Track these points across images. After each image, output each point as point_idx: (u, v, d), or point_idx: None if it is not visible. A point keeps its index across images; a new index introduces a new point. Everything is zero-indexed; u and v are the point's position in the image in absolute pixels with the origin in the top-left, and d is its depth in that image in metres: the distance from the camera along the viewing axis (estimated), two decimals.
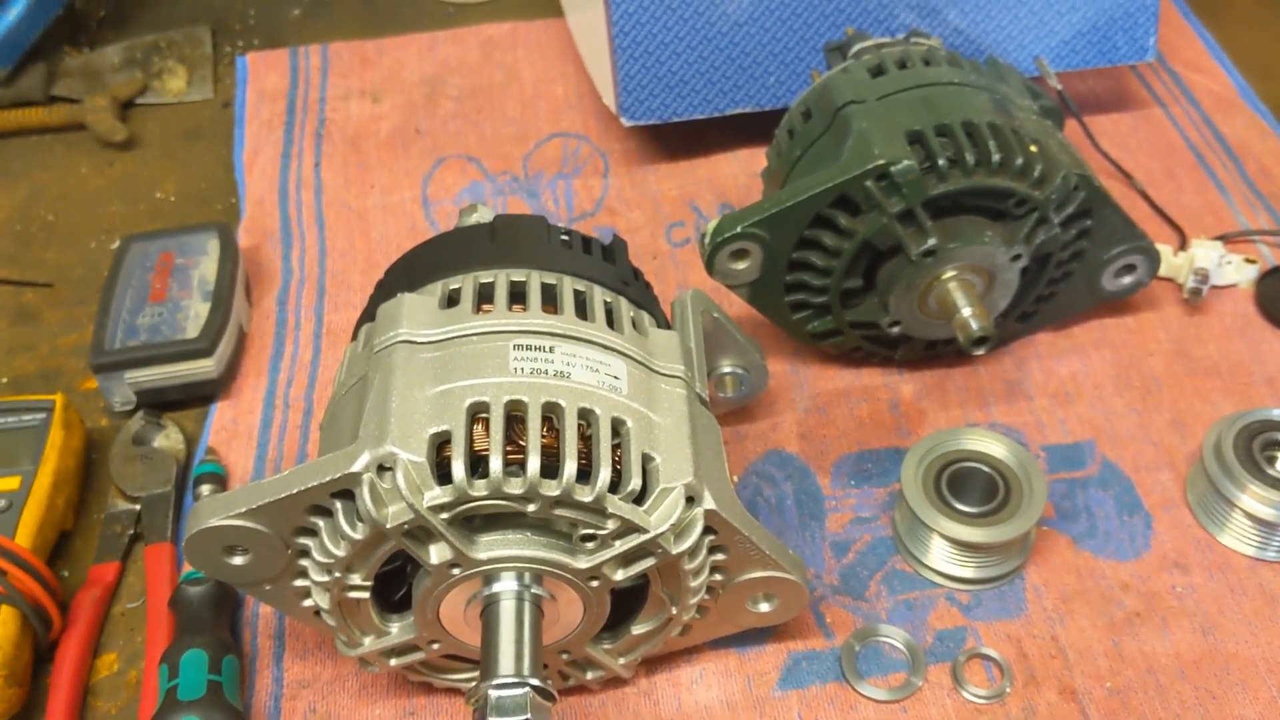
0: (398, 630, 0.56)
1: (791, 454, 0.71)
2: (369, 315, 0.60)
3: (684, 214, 0.85)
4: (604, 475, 0.50)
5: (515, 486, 0.49)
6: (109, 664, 0.64)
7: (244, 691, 0.61)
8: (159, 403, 0.74)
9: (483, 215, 0.64)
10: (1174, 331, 0.76)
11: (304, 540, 0.52)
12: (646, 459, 0.52)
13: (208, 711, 0.57)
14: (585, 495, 0.50)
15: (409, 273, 0.60)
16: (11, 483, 0.66)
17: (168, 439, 0.73)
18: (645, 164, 0.89)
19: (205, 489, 0.69)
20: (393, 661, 0.57)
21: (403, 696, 0.61)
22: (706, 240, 0.67)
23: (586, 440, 0.51)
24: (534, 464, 0.49)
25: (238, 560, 0.53)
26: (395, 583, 0.56)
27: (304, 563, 0.53)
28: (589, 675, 0.60)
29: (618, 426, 0.52)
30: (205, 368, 0.74)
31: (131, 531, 0.69)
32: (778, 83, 0.84)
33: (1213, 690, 0.60)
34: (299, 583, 0.54)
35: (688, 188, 0.87)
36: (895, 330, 0.70)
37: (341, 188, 0.89)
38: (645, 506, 0.51)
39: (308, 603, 0.55)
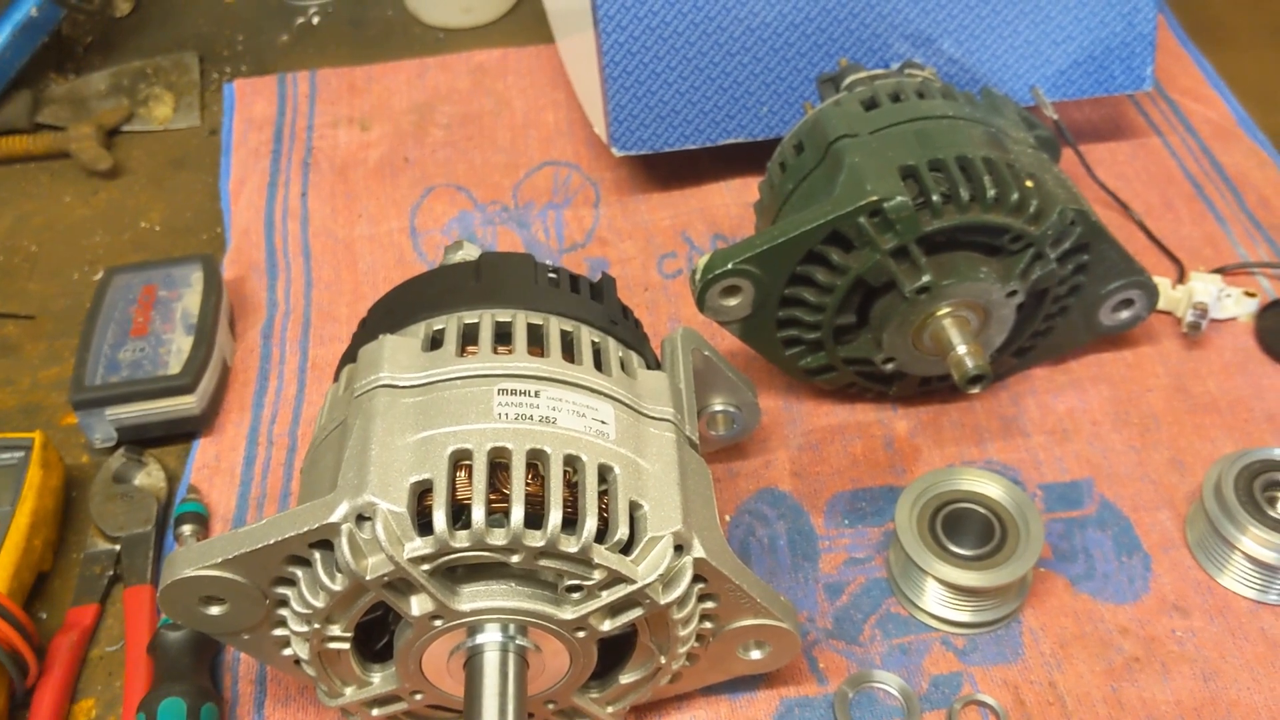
0: (380, 680, 0.55)
1: (785, 492, 0.70)
2: (351, 356, 0.58)
3: (676, 245, 0.84)
4: (590, 525, 0.49)
5: (498, 537, 0.48)
6: (86, 710, 0.63)
7: None
8: (141, 439, 0.73)
9: (468, 252, 0.63)
10: (1173, 366, 0.75)
11: (282, 590, 0.51)
12: (634, 507, 0.51)
13: None
14: (570, 546, 0.48)
15: (392, 312, 0.59)
16: None
17: (149, 477, 0.72)
18: (637, 193, 0.88)
19: (186, 529, 0.68)
20: (375, 712, 0.56)
21: None
22: (697, 277, 0.65)
23: (573, 488, 0.50)
24: (518, 514, 0.48)
25: (215, 610, 0.52)
26: (377, 631, 0.55)
27: (283, 613, 0.52)
28: None
29: (605, 473, 0.51)
30: (187, 404, 0.72)
31: (111, 573, 0.67)
32: (770, 113, 0.83)
33: None
34: (278, 632, 0.53)
35: (680, 218, 0.86)
36: (889, 367, 0.69)
37: (328, 217, 0.88)
38: (633, 556, 0.50)
39: (287, 652, 0.54)
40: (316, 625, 0.51)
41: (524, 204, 0.88)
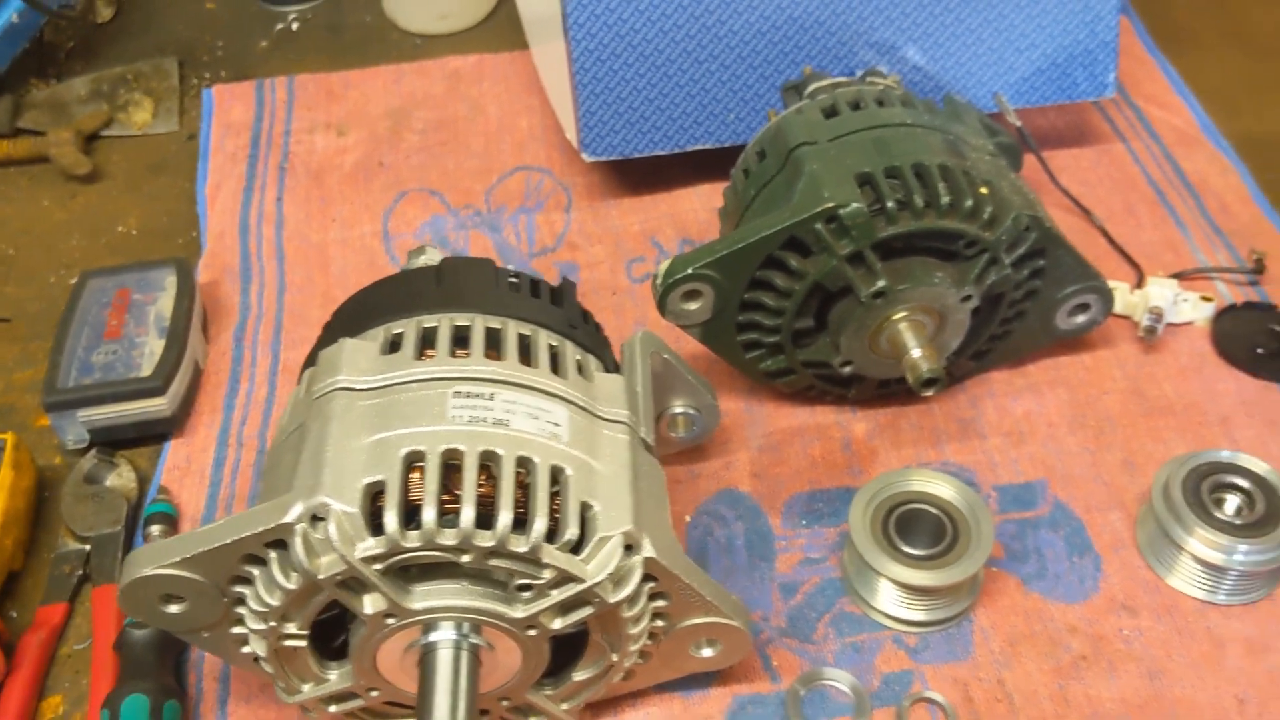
0: (336, 677, 0.56)
1: (744, 493, 0.71)
2: (313, 359, 0.60)
3: (645, 249, 0.85)
4: (539, 525, 0.50)
5: (449, 537, 0.49)
6: (54, 707, 0.64)
7: None
8: (112, 440, 0.74)
9: (430, 257, 0.64)
10: (1129, 370, 0.76)
11: (240, 589, 0.52)
12: (585, 507, 0.52)
13: None
14: (520, 546, 0.50)
15: (354, 316, 0.60)
16: None
17: (120, 478, 0.73)
18: (608, 198, 0.89)
19: (155, 529, 0.69)
20: (332, 708, 0.57)
21: None
22: (658, 281, 0.67)
23: (525, 489, 0.51)
24: (468, 514, 0.49)
25: (174, 609, 0.53)
26: (335, 629, 0.56)
27: (241, 611, 0.53)
28: None
29: (556, 475, 0.52)
30: (158, 406, 0.73)
31: (80, 572, 0.69)
32: (737, 119, 0.85)
33: None
34: (237, 630, 0.54)
35: (649, 223, 0.87)
36: (847, 370, 0.70)
37: (303, 221, 0.89)
38: (583, 556, 0.51)
39: (246, 650, 0.55)
40: (273, 623, 0.52)
41: (496, 208, 0.89)
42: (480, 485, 0.51)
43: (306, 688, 0.56)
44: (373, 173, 0.93)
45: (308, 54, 1.06)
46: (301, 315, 0.82)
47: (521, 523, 0.50)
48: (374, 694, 0.56)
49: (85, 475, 0.72)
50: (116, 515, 0.70)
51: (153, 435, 0.75)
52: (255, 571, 0.51)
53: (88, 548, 0.69)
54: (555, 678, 0.58)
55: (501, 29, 1.06)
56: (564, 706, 0.59)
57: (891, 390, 0.74)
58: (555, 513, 0.51)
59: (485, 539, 0.49)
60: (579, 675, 0.57)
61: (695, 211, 0.87)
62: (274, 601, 0.51)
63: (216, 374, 0.79)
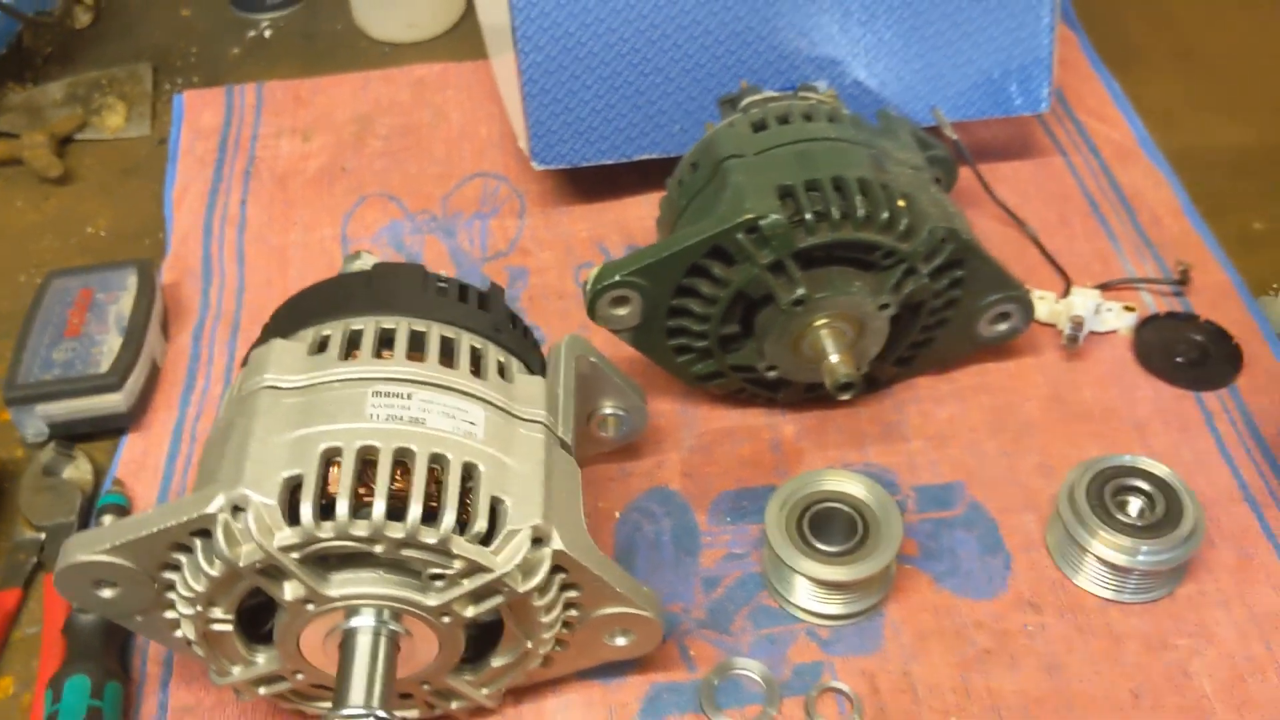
0: (264, 661, 0.59)
1: (674, 491, 0.74)
2: (247, 359, 0.63)
3: (593, 255, 0.88)
4: (449, 518, 0.53)
5: (361, 528, 0.52)
6: (4, 687, 0.67)
7: (128, 717, 0.64)
8: (71, 434, 0.77)
9: (365, 262, 0.67)
10: (1051, 376, 0.79)
11: (169, 575, 0.55)
12: (496, 501, 0.55)
13: None
14: (430, 537, 0.53)
15: (289, 318, 0.63)
16: None
17: (77, 470, 0.76)
18: (560, 205, 0.92)
19: (107, 519, 0.72)
20: (261, 690, 0.60)
21: (283, 717, 0.64)
22: (587, 287, 0.70)
23: (439, 485, 0.54)
24: (379, 507, 0.52)
25: (106, 593, 0.56)
26: (263, 616, 0.59)
27: (170, 596, 0.56)
28: (454, 705, 0.62)
29: (470, 471, 0.55)
30: (114, 402, 0.76)
31: (35, 560, 0.72)
32: (682, 130, 0.87)
33: None
34: (169, 615, 0.57)
35: (598, 229, 0.90)
36: (772, 374, 0.73)
37: (265, 224, 0.92)
38: (492, 547, 0.54)
39: (179, 634, 0.58)
40: (200, 608, 0.55)
41: (452, 213, 0.92)
42: (396, 481, 0.53)
43: (236, 670, 0.59)
44: (335, 177, 0.96)
45: (279, 61, 1.09)
46: (259, 315, 0.84)
47: (432, 516, 0.53)
48: (299, 677, 0.59)
49: (44, 467, 0.75)
50: (71, 506, 0.73)
51: (109, 430, 0.78)
52: (183, 559, 0.54)
53: (43, 536, 0.72)
54: (475, 664, 0.61)
55: (467, 38, 1.09)
56: (484, 691, 0.62)
57: (818, 394, 0.76)
58: (466, 507, 0.54)
59: (396, 530, 0.52)
60: (497, 662, 0.60)
61: (642, 219, 0.90)
62: (199, 588, 0.54)
63: (174, 371, 0.82)
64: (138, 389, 0.78)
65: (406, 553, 0.53)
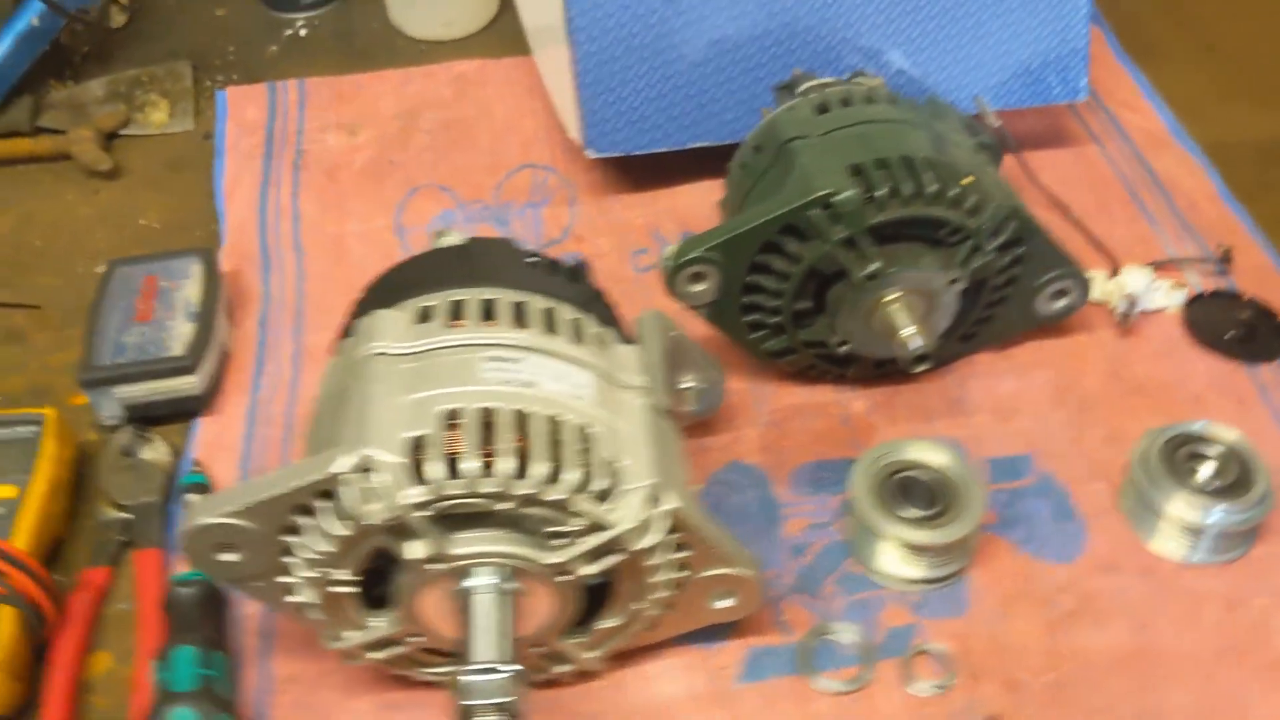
0: (379, 625, 0.59)
1: (751, 465, 0.75)
2: (348, 332, 0.63)
3: (648, 241, 0.90)
4: (571, 475, 0.54)
5: (488, 485, 0.53)
6: (104, 661, 0.67)
7: (233, 686, 0.64)
8: (146, 417, 0.78)
9: (454, 238, 0.69)
10: (1107, 352, 0.81)
11: (289, 538, 0.56)
12: (612, 461, 0.56)
13: (200, 703, 0.60)
14: (553, 494, 0.54)
15: (385, 292, 0.64)
16: (8, 491, 0.69)
17: (154, 451, 0.76)
18: (611, 194, 0.93)
19: (193, 497, 0.72)
20: (374, 655, 0.61)
21: (385, 690, 0.65)
22: (666, 263, 0.71)
23: (556, 445, 0.55)
24: (506, 464, 0.53)
25: (228, 557, 0.56)
26: (375, 581, 0.59)
27: (290, 560, 0.57)
28: (561, 669, 0.63)
29: (584, 431, 0.56)
30: (190, 384, 0.77)
31: (122, 538, 0.72)
32: (734, 119, 0.89)
33: (1143, 683, 0.64)
34: (286, 579, 0.58)
35: (651, 217, 0.91)
36: (843, 349, 0.75)
37: (318, 215, 0.93)
38: (610, 505, 0.55)
39: (292, 599, 0.59)
40: (322, 570, 0.56)
41: (504, 202, 0.93)
42: (516, 441, 0.55)
43: (351, 635, 0.60)
44: (384, 170, 0.97)
45: (316, 59, 1.10)
46: (321, 303, 0.86)
47: (554, 475, 0.54)
48: (414, 640, 0.60)
49: (122, 449, 0.75)
50: (154, 485, 0.74)
51: (183, 412, 0.79)
52: (305, 521, 0.55)
53: (127, 516, 0.73)
54: (584, 627, 0.62)
55: (503, 36, 1.11)
56: (591, 655, 0.63)
57: (886, 370, 0.78)
58: (584, 466, 0.55)
59: (521, 486, 0.53)
60: (606, 624, 0.61)
61: (694, 206, 0.92)
62: (323, 548, 0.55)
63: (243, 356, 0.82)
64: (211, 372, 0.78)
65: (528, 510, 0.54)
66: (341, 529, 0.54)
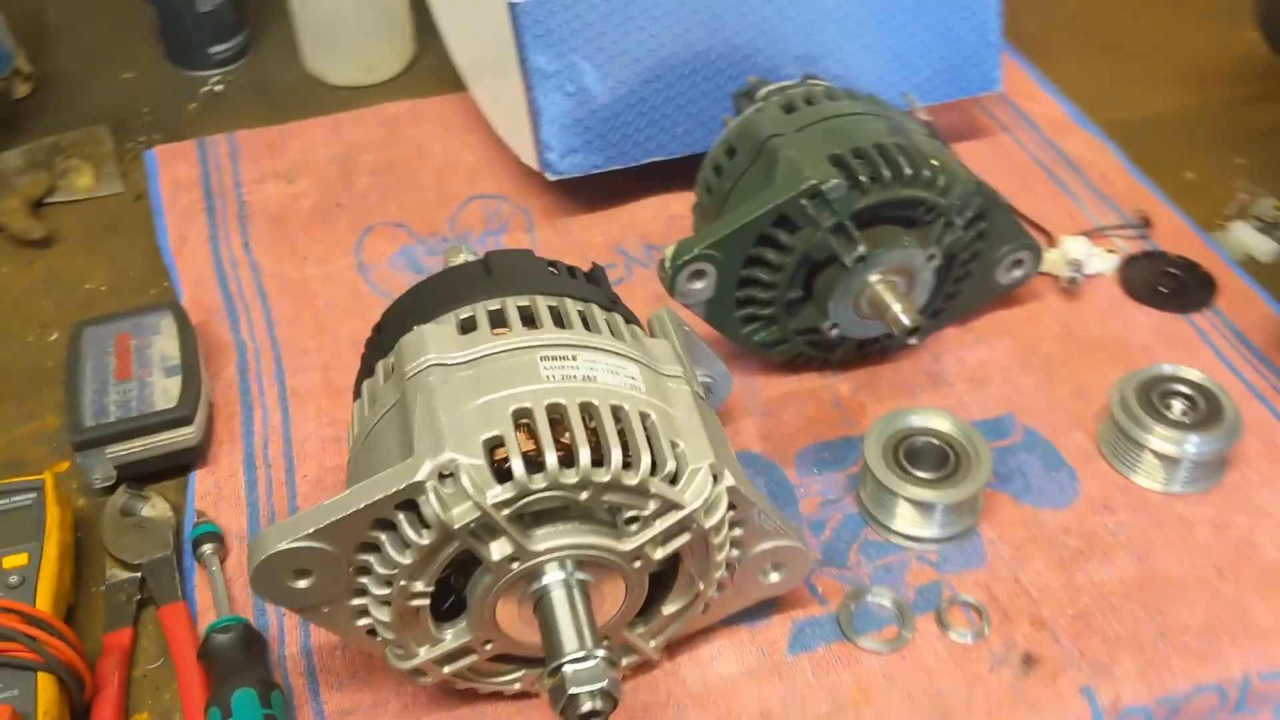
0: (451, 636, 0.60)
1: (756, 453, 0.78)
2: (379, 354, 0.64)
3: (613, 257, 0.92)
4: (646, 460, 0.55)
5: (570, 477, 0.54)
6: None
7: None
8: (138, 476, 0.76)
9: (468, 255, 0.70)
10: (1059, 317, 0.87)
11: (365, 557, 0.56)
12: (674, 445, 0.58)
13: None
14: (631, 479, 0.55)
15: (412, 312, 0.64)
16: (20, 559, 0.67)
17: (154, 509, 0.74)
18: (568, 215, 0.95)
19: (207, 548, 0.71)
20: (446, 669, 0.61)
21: (446, 709, 0.65)
22: (667, 264, 0.73)
23: (624, 433, 0.57)
24: (585, 455, 0.54)
25: (302, 584, 0.56)
26: (444, 594, 0.60)
27: (363, 580, 0.57)
28: (625, 662, 0.64)
29: (645, 419, 0.58)
30: (186, 435, 0.75)
31: (138, 597, 0.70)
32: (684, 132, 0.93)
33: (1158, 605, 0.69)
34: (356, 602, 0.58)
35: (611, 234, 0.94)
36: (834, 333, 0.78)
37: (274, 263, 0.92)
38: (679, 487, 0.57)
39: (363, 622, 0.58)
40: (402, 583, 0.56)
41: (461, 233, 0.95)
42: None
43: (423, 650, 0.59)
44: (332, 213, 0.97)
45: (237, 113, 1.09)
46: (295, 345, 0.85)
47: (629, 460, 0.56)
48: (489, 647, 0.60)
49: (121, 509, 0.73)
50: (164, 540, 0.72)
51: (175, 468, 0.77)
52: (383, 536, 0.55)
53: (139, 575, 0.71)
54: (645, 615, 0.63)
55: (424, 77, 1.12)
56: (652, 643, 0.64)
57: (867, 351, 0.82)
58: (653, 450, 0.57)
59: (601, 475, 0.55)
60: (668, 608, 0.63)
61: (651, 221, 0.95)
62: (405, 560, 0.55)
63: (227, 405, 0.81)
64: (204, 423, 0.77)
65: (607, 497, 0.56)
66: (426, 537, 0.54)
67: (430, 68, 1.12)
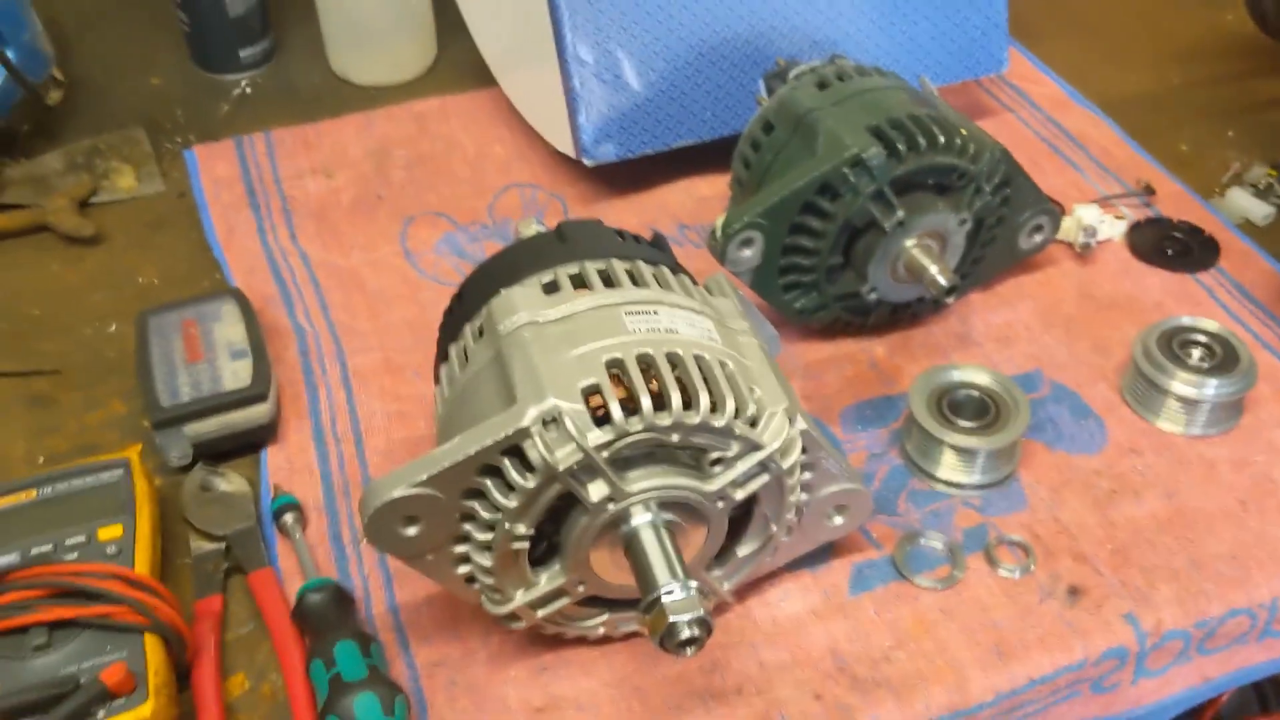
0: (545, 579, 0.63)
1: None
2: (462, 318, 0.67)
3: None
4: (731, 403, 0.60)
5: (664, 419, 0.58)
6: (239, 683, 0.68)
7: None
8: (212, 454, 0.79)
9: (540, 226, 0.73)
10: (1074, 280, 0.92)
11: (470, 503, 0.59)
12: (751, 390, 0.62)
13: (376, 688, 0.62)
14: (719, 420, 0.59)
15: (495, 278, 0.68)
16: (115, 530, 0.69)
17: (231, 484, 0.77)
18: (601, 200, 0.99)
19: (289, 518, 0.74)
20: (539, 612, 0.64)
21: (532, 656, 0.68)
22: (718, 234, 0.78)
23: (708, 380, 0.61)
24: (676, 398, 0.58)
25: (411, 531, 0.59)
26: (537, 540, 0.63)
27: (467, 526, 0.60)
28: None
29: (724, 367, 0.62)
30: (261, 413, 0.79)
31: (225, 566, 0.73)
32: (713, 116, 0.97)
33: (1189, 537, 0.74)
34: (459, 549, 0.61)
35: (645, 215, 0.98)
36: (873, 297, 0.83)
37: (322, 252, 0.95)
38: (758, 429, 0.61)
39: (462, 569, 0.62)
40: (506, 526, 0.59)
41: (501, 220, 0.98)
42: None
43: (518, 594, 0.63)
44: (373, 205, 1.00)
45: (268, 114, 1.12)
46: (351, 329, 0.89)
47: (716, 404, 0.60)
48: (581, 588, 0.64)
49: (201, 485, 0.76)
50: (247, 512, 0.75)
51: (247, 445, 0.80)
52: (488, 481, 0.59)
53: (223, 545, 0.74)
54: (720, 558, 0.67)
55: (449, 74, 1.16)
56: (727, 586, 0.68)
57: (899, 315, 0.87)
58: (735, 395, 0.61)
59: (692, 417, 0.59)
60: (743, 550, 0.67)
61: (682, 203, 0.99)
62: (511, 503, 0.58)
63: (292, 386, 0.84)
64: (275, 401, 0.80)
65: (696, 439, 0.60)
66: (531, 480, 0.58)
67: (453, 66, 1.16)
